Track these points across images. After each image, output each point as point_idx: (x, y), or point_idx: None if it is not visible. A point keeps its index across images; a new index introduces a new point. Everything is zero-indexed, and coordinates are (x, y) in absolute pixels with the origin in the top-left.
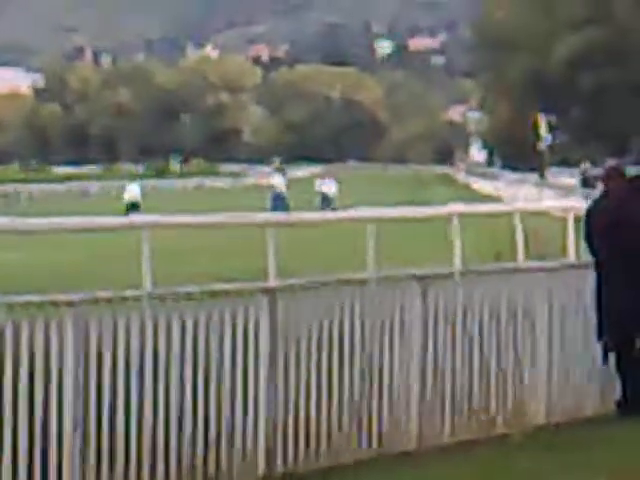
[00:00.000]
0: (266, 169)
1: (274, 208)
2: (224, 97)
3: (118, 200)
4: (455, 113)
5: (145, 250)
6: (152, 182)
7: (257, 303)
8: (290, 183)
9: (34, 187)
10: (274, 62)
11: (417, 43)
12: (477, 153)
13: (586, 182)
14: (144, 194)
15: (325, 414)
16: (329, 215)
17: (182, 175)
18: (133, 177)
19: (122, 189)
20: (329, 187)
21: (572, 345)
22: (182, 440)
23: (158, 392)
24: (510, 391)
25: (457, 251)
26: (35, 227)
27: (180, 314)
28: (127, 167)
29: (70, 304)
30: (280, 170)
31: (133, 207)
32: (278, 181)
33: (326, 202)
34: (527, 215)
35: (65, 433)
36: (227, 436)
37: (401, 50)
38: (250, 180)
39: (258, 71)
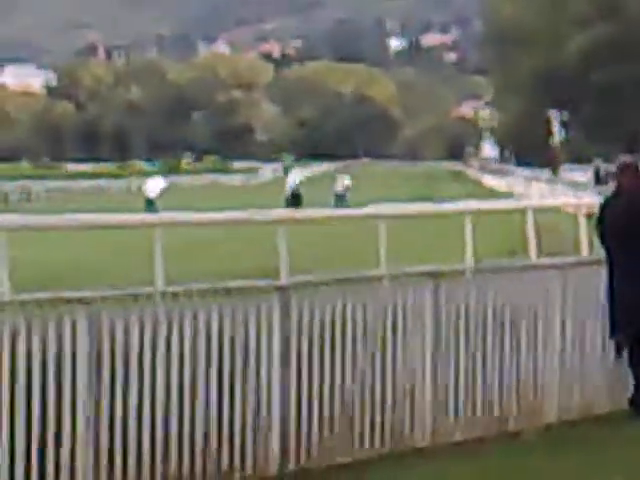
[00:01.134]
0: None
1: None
2: (236, 94)
3: (136, 197)
4: (467, 109)
5: (158, 248)
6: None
7: (269, 301)
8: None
9: (39, 184)
10: (285, 59)
11: (429, 40)
12: (489, 149)
13: (599, 178)
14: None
15: (338, 411)
16: (342, 212)
17: (194, 172)
18: (148, 174)
19: (142, 185)
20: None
21: (585, 342)
22: (195, 437)
23: (171, 389)
24: (523, 388)
25: (469, 248)
26: (49, 224)
27: (193, 312)
28: (140, 164)
29: (83, 301)
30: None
31: (151, 204)
32: (292, 179)
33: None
34: (540, 211)
35: (78, 430)
36: (240, 433)
37: (413, 47)
38: (262, 177)
39: (270, 68)
